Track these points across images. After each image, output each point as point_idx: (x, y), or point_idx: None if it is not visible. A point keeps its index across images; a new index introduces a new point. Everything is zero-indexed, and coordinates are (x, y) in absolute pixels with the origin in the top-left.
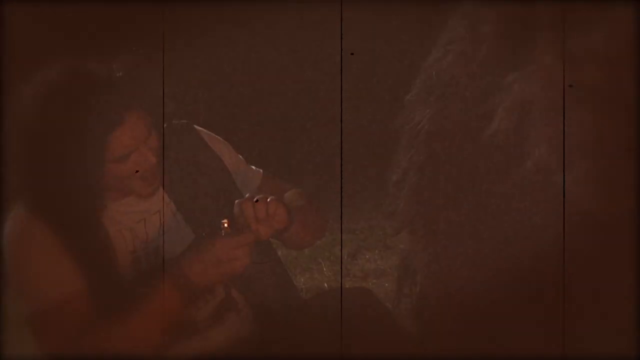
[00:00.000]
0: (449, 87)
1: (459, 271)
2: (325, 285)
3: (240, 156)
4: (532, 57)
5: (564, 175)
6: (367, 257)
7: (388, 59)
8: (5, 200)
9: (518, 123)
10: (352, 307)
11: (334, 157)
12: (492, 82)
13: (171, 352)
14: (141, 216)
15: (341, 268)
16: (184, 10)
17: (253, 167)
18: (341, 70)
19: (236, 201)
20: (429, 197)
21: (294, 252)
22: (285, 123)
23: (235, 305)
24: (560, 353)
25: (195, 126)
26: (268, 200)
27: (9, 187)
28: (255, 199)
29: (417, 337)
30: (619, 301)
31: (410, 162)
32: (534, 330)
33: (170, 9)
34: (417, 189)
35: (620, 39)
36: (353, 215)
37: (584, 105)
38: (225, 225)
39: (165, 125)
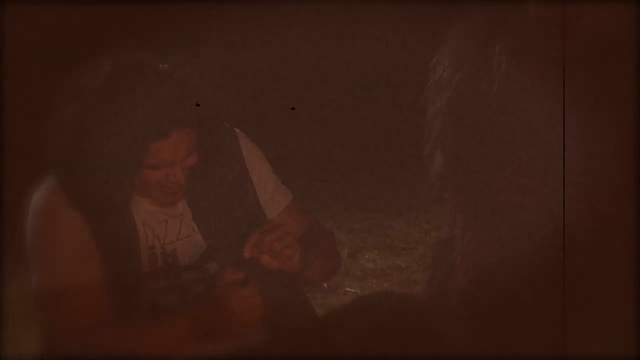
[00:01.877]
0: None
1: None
2: (325, 285)
3: (274, 174)
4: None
5: (563, 174)
6: (367, 257)
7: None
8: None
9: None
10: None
11: (335, 156)
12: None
13: (178, 353)
14: (164, 217)
15: None
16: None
17: (284, 188)
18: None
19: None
20: (463, 143)
21: None
22: (283, 121)
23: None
24: (561, 352)
25: (236, 129)
26: (282, 236)
27: (48, 155)
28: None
29: (444, 317)
30: (619, 300)
31: (438, 111)
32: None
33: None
34: (450, 126)
35: (620, 37)
36: (353, 215)
37: (584, 105)
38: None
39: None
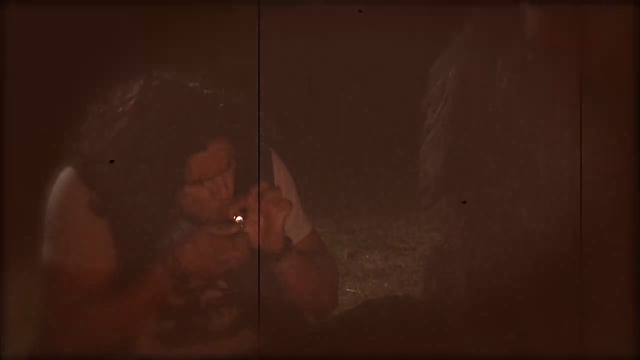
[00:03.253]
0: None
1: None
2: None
3: (299, 202)
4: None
5: (580, 171)
6: (367, 257)
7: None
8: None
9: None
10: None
11: (334, 156)
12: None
13: (178, 354)
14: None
15: None
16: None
17: (306, 219)
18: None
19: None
20: (459, 152)
21: None
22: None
23: (250, 323)
24: (571, 352)
25: (272, 150)
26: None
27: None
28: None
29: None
30: (618, 301)
31: (437, 119)
32: (550, 323)
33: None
34: (447, 136)
35: (620, 38)
36: (353, 215)
37: (585, 105)
38: (240, 219)
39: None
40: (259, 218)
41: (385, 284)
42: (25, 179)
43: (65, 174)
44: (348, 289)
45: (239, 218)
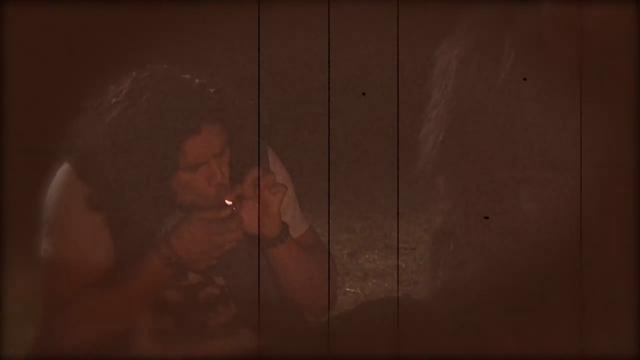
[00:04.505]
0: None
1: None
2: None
3: (296, 200)
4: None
5: (580, 169)
6: (367, 257)
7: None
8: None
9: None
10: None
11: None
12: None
13: (175, 353)
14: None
15: None
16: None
17: (302, 216)
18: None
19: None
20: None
21: None
22: (279, 119)
23: (248, 322)
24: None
25: (268, 147)
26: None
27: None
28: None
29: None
30: (618, 301)
31: (442, 95)
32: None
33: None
34: (448, 119)
35: (620, 37)
36: (353, 215)
37: (585, 104)
38: (229, 203)
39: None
40: (259, 210)
41: (385, 284)
42: (23, 176)
43: (62, 170)
44: (348, 289)
45: (229, 202)
